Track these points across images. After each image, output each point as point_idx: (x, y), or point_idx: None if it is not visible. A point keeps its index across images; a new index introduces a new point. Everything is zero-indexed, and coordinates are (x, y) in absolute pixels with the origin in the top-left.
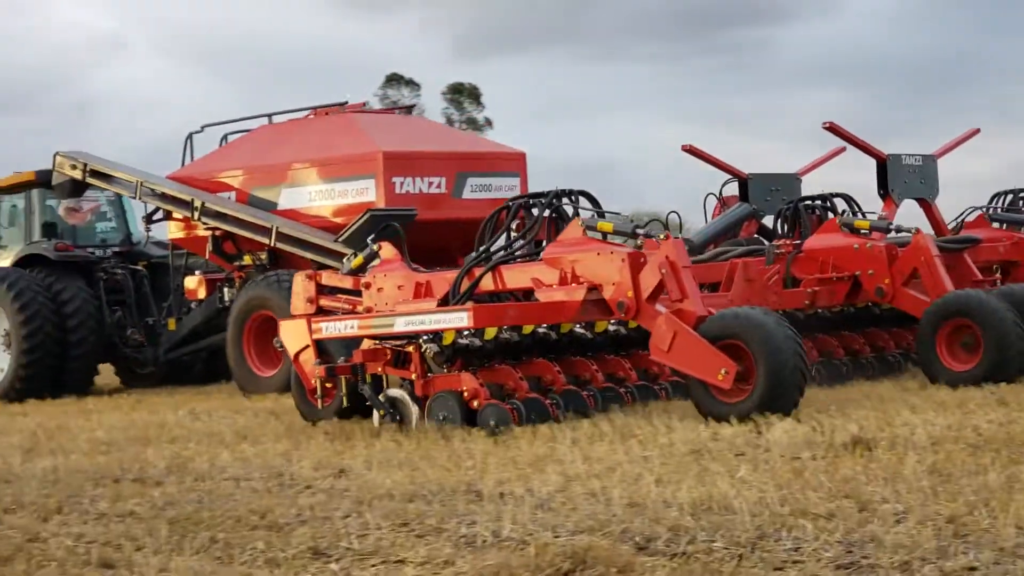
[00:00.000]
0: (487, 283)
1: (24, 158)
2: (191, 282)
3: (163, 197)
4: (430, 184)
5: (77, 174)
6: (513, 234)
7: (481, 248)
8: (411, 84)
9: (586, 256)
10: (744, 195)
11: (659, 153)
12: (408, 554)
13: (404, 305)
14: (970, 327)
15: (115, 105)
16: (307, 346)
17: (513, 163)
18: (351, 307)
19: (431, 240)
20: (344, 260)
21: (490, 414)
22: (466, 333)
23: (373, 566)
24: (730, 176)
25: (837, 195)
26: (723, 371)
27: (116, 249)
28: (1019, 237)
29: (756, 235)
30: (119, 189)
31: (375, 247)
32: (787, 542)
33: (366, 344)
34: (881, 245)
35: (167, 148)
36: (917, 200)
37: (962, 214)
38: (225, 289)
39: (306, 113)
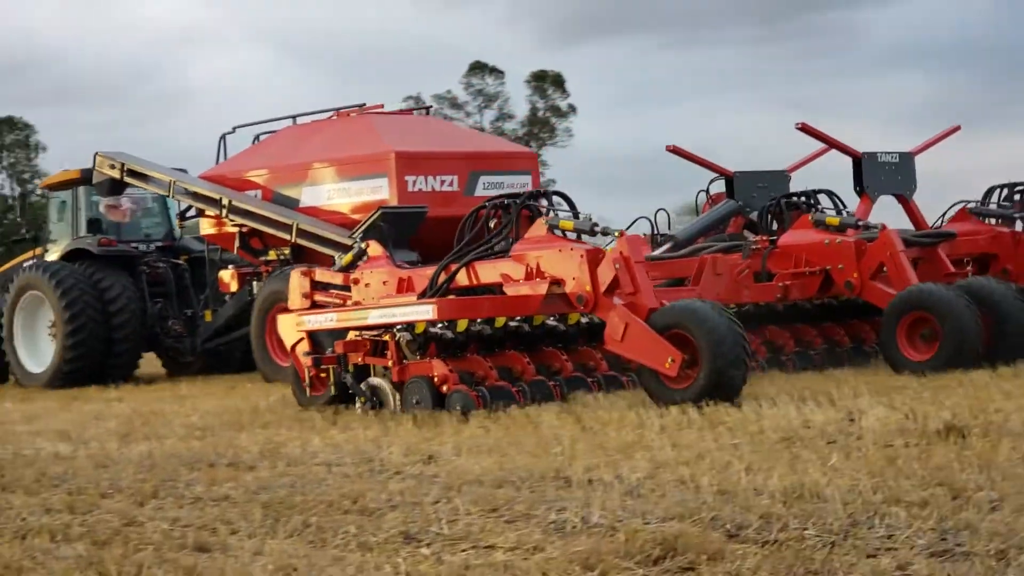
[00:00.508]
0: (463, 278)
1: (116, 148)
2: (225, 275)
3: (194, 196)
4: (442, 182)
5: (115, 173)
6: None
7: (457, 246)
8: (495, 72)
9: (549, 253)
10: (731, 192)
11: (742, 139)
12: (498, 540)
13: (383, 300)
14: (928, 320)
15: (207, 96)
16: (301, 339)
17: (524, 162)
18: (342, 301)
19: (444, 236)
20: (336, 257)
21: (456, 399)
22: (439, 325)
23: (463, 551)
24: (717, 174)
25: (821, 191)
26: (670, 359)
27: (159, 244)
28: (997, 231)
29: (744, 231)
30: (154, 188)
31: (363, 245)
32: (880, 530)
33: (349, 336)
34: (850, 241)
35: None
36: (895, 196)
37: (947, 209)
38: (253, 283)
39: (329, 115)
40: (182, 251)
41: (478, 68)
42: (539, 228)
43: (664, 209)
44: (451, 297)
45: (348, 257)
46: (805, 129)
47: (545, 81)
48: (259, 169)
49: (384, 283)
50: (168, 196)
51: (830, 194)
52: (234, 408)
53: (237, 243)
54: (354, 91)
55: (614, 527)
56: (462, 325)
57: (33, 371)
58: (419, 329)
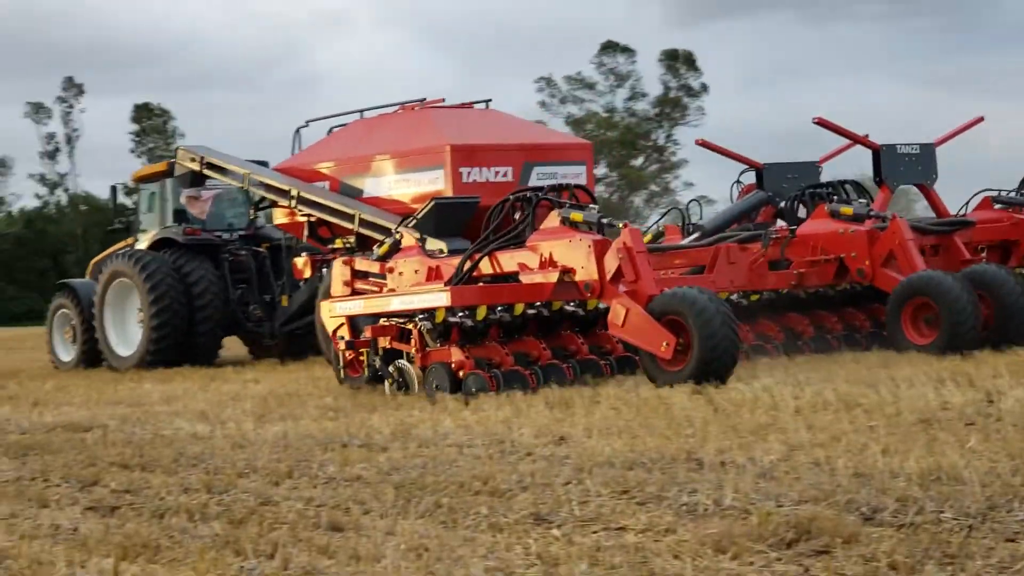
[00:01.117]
0: (487, 267)
1: (248, 134)
2: (298, 262)
3: (267, 187)
4: (497, 173)
5: (195, 166)
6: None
7: (481, 237)
8: (626, 51)
9: (560, 243)
10: (761, 183)
11: (879, 117)
12: (629, 521)
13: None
14: (930, 305)
15: (337, 80)
16: (341, 324)
17: (579, 153)
18: (379, 289)
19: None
20: (374, 248)
21: (471, 382)
22: (459, 313)
23: (594, 532)
24: (747, 166)
25: (847, 182)
26: (664, 343)
27: (241, 232)
28: (1018, 218)
29: (776, 220)
30: (231, 180)
31: (398, 235)
32: (1019, 513)
33: (380, 322)
34: (863, 230)
35: None
36: (916, 185)
37: (971, 197)
38: (323, 269)
39: (394, 109)
40: (263, 239)
41: (609, 48)
42: (552, 220)
43: (697, 200)
44: (468, 285)
45: (385, 247)
46: (822, 123)
47: (676, 60)
48: (328, 161)
49: (416, 271)
50: (243, 187)
51: (856, 184)
52: (366, 389)
53: (306, 232)
54: (485, 74)
55: (747, 510)
56: (481, 313)
57: (123, 354)
58: (439, 318)
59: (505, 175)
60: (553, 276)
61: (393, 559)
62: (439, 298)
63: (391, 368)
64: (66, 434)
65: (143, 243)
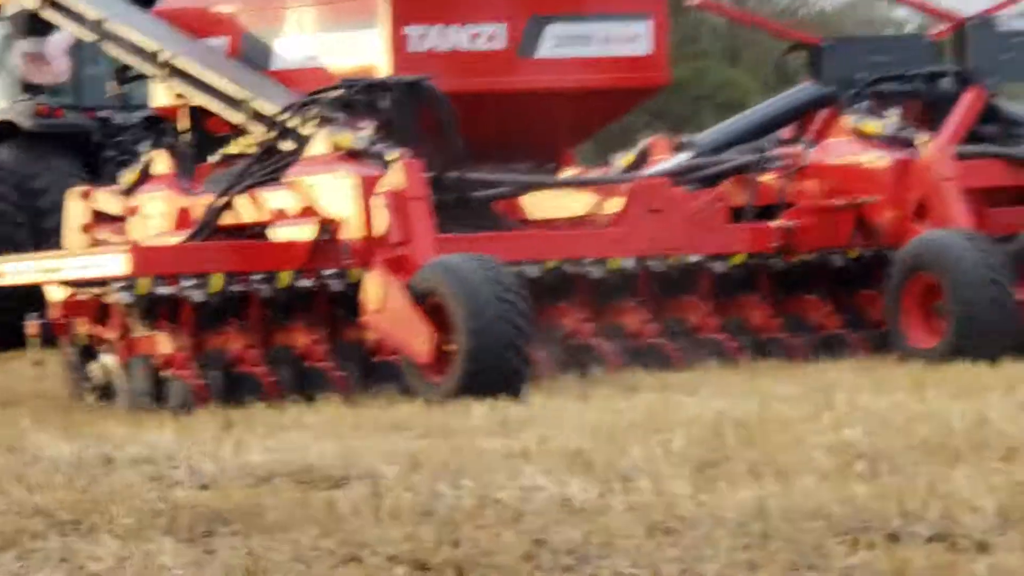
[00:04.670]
0: (249, 212)
1: None
2: None
3: (130, 46)
4: (474, 36)
5: (31, 2)
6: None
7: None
8: None
9: (322, 180)
10: (817, 71)
11: None
12: None
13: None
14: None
15: None
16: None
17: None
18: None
19: (483, 127)
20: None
21: (174, 391)
22: (187, 284)
23: None
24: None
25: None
26: (422, 340)
27: (147, 115)
28: None
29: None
30: (80, 31)
31: (147, 157)
32: None
33: (61, 294)
34: (886, 162)
35: None
36: None
37: None
38: None
39: None
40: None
41: None
42: (321, 144)
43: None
44: (174, 243)
45: (132, 174)
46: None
47: None
48: (230, 2)
49: (163, 215)
50: (98, 42)
51: (959, 75)
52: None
53: (183, 121)
54: None
55: None
56: (216, 284)
57: None
58: (141, 289)
59: (491, 39)
60: (310, 230)
61: None
62: (115, 263)
63: (94, 366)
64: (295, 490)
65: None
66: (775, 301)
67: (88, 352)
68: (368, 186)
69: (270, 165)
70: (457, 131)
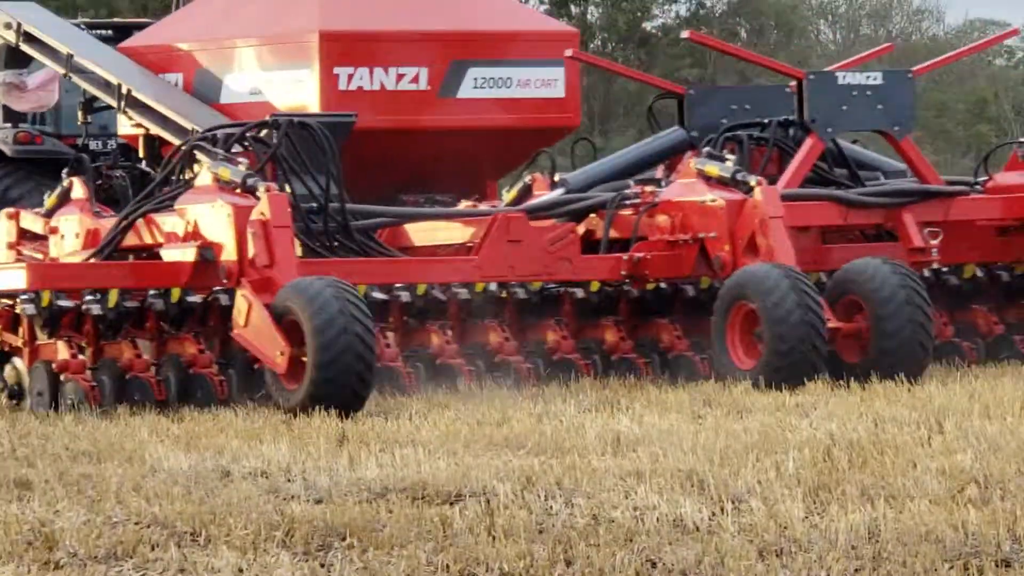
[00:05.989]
0: (146, 235)
1: None
2: None
3: (94, 79)
4: (400, 78)
5: (11, 36)
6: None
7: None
8: None
9: (203, 208)
10: (682, 117)
11: None
12: None
13: None
14: (755, 312)
15: None
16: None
17: (552, 46)
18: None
19: (409, 161)
20: (46, 196)
21: (68, 391)
22: (89, 297)
23: None
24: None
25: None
26: (279, 353)
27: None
28: None
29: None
30: (52, 62)
31: (66, 183)
32: None
33: None
34: (727, 200)
35: None
36: (879, 133)
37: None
38: None
39: None
40: None
41: None
42: (204, 176)
43: (588, 138)
44: (75, 261)
45: (53, 198)
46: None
47: None
48: (185, 41)
49: (77, 236)
50: (65, 75)
51: (802, 124)
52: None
53: (142, 149)
54: None
55: None
56: (114, 298)
57: None
58: (44, 301)
59: (416, 80)
60: (189, 254)
61: None
62: (17, 278)
63: (8, 369)
64: (409, 506)
65: None
66: (629, 325)
67: (3, 356)
68: (241, 215)
69: (166, 193)
70: (339, 165)
